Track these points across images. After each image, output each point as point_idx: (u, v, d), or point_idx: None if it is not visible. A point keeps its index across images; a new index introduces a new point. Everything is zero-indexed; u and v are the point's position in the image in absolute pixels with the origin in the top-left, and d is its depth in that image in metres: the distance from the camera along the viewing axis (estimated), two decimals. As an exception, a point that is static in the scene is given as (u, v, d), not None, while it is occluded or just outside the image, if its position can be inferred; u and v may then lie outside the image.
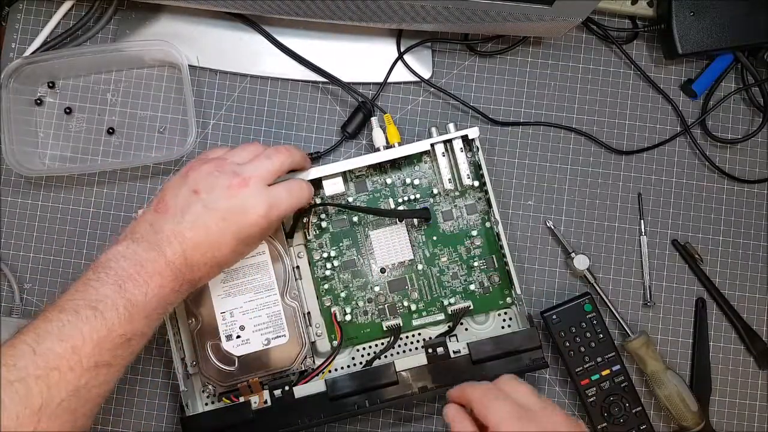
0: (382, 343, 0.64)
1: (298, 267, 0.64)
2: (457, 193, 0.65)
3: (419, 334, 0.65)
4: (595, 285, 0.66)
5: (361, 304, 0.64)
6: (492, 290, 0.64)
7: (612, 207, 0.69)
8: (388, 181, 0.65)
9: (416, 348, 0.64)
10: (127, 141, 0.69)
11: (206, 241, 0.53)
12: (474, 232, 0.65)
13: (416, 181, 0.65)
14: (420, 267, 0.64)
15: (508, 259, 0.63)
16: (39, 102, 0.68)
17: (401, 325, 0.63)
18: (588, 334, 0.64)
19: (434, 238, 0.65)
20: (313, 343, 0.63)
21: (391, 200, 0.65)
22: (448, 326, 0.64)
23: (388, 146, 0.65)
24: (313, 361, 0.62)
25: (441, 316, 0.64)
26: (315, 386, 0.61)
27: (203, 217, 0.52)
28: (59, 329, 0.46)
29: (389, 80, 0.68)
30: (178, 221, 0.52)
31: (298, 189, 0.58)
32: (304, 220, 0.63)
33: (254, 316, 0.61)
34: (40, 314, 0.48)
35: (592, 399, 0.63)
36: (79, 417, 0.46)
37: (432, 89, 0.69)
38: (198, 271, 0.53)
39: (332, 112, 0.69)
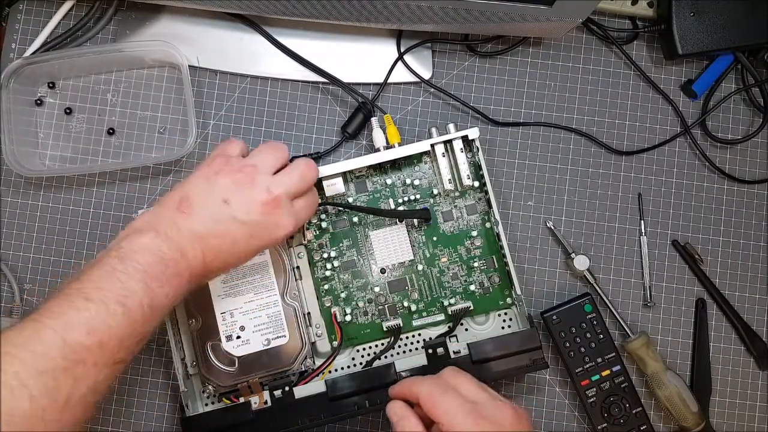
0: (382, 344, 0.64)
1: (298, 267, 0.64)
2: (457, 194, 0.65)
3: (419, 334, 0.65)
4: (595, 285, 0.66)
5: (361, 304, 0.64)
6: (492, 290, 0.64)
7: (612, 207, 0.69)
8: (388, 181, 0.65)
9: (416, 348, 0.64)
10: (127, 141, 0.69)
11: (229, 251, 0.53)
12: (474, 233, 0.65)
13: (416, 182, 0.65)
14: (420, 267, 0.64)
15: (508, 259, 0.63)
16: (39, 102, 0.68)
17: (401, 325, 0.63)
18: (588, 335, 0.64)
19: (434, 238, 0.65)
20: (313, 344, 0.63)
21: (391, 200, 0.65)
22: (449, 327, 0.64)
23: (388, 147, 0.65)
24: (313, 362, 0.62)
25: (441, 317, 0.64)
26: (315, 387, 0.61)
27: (232, 229, 0.52)
28: (87, 321, 0.45)
29: (389, 81, 0.68)
30: (204, 227, 0.52)
31: (314, 203, 0.59)
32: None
33: (254, 316, 0.61)
34: (62, 295, 0.47)
35: (592, 399, 0.63)
36: (89, 409, 0.46)
37: (432, 89, 0.69)
38: (211, 275, 0.55)
39: (332, 112, 0.69)
